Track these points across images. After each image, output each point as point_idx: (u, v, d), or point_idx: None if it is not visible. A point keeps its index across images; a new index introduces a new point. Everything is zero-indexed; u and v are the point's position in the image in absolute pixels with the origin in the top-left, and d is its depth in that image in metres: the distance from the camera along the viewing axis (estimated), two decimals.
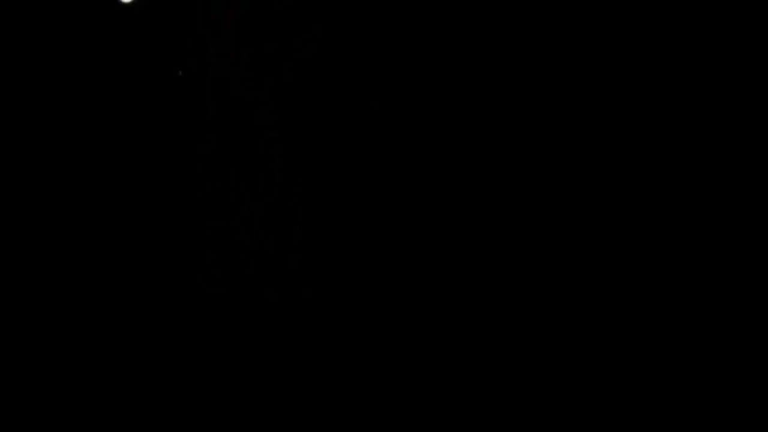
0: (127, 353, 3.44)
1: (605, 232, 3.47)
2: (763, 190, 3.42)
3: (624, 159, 3.49)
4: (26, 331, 3.43)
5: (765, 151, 3.43)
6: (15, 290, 3.44)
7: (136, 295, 3.48)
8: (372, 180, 3.54)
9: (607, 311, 3.43)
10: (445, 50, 3.55)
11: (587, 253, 3.47)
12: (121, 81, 3.54)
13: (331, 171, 3.54)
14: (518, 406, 3.40)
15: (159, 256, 3.50)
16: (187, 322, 3.47)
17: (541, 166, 3.51)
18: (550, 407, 3.39)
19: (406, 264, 3.50)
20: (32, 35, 3.48)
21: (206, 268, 3.49)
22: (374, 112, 3.55)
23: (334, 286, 3.49)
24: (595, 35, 3.52)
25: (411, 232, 3.51)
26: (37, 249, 3.47)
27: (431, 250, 3.50)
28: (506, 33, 3.53)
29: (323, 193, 3.54)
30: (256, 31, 3.55)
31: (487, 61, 3.54)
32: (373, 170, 3.54)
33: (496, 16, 3.53)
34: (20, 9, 3.47)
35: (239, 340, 3.47)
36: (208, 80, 3.54)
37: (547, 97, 3.52)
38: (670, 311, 3.41)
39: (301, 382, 3.44)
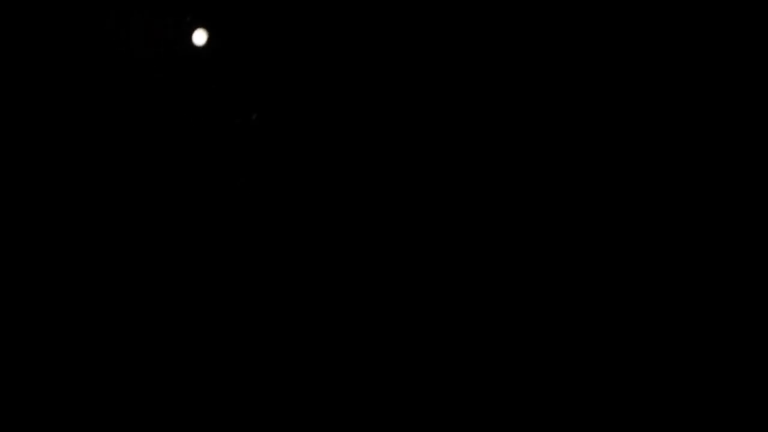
0: (127, 352, 3.45)
1: (604, 232, 3.48)
2: (763, 190, 3.43)
3: (622, 159, 3.49)
4: (26, 331, 3.44)
5: (765, 151, 3.44)
6: (16, 289, 3.46)
7: (136, 295, 3.48)
8: (371, 180, 3.54)
9: (606, 311, 3.44)
10: (443, 51, 3.56)
11: (586, 252, 3.47)
12: (121, 84, 3.56)
13: (331, 171, 3.55)
14: (517, 406, 3.40)
15: (159, 256, 3.51)
16: (187, 321, 3.48)
17: (539, 167, 3.52)
18: (550, 407, 3.39)
19: (405, 264, 3.50)
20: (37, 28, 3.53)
21: (206, 268, 3.51)
22: (373, 112, 3.56)
23: (333, 285, 3.50)
24: (595, 35, 3.53)
25: (409, 231, 3.52)
26: (37, 248, 3.48)
27: (429, 250, 3.51)
28: (506, 33, 3.54)
29: (322, 192, 3.54)
30: (256, 31, 3.56)
31: (485, 62, 3.55)
32: (373, 170, 3.55)
33: (496, 16, 3.54)
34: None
35: (239, 340, 3.48)
36: (208, 80, 3.55)
37: (545, 97, 3.53)
38: (670, 311, 3.42)
39: (301, 382, 3.45)
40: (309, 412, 3.42)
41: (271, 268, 3.52)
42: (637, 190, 3.48)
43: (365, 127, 3.57)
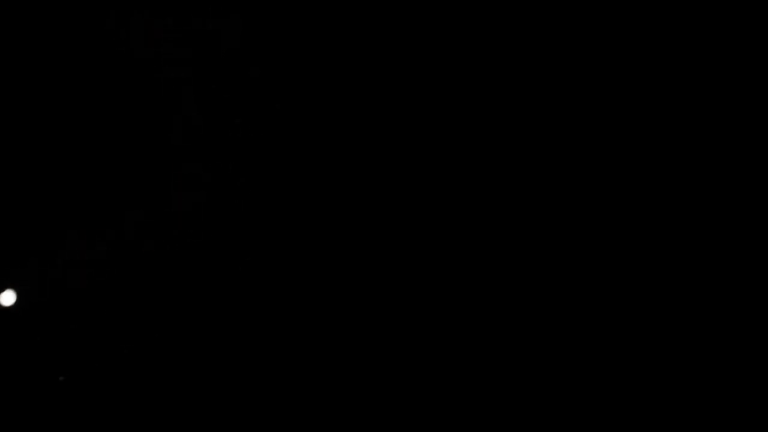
0: (126, 352, 3.45)
1: (604, 233, 3.48)
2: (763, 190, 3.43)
3: (622, 159, 3.50)
4: (24, 331, 3.44)
5: (765, 151, 3.44)
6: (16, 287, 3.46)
7: (135, 295, 3.48)
8: (369, 180, 3.55)
9: (606, 311, 3.44)
10: (440, 52, 3.56)
11: (586, 253, 3.47)
12: (121, 84, 3.57)
13: (329, 171, 3.55)
14: (517, 407, 3.40)
15: (157, 256, 3.51)
16: (186, 321, 3.48)
17: (538, 167, 3.52)
18: (550, 407, 3.39)
19: (404, 264, 3.50)
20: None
21: (204, 268, 3.51)
22: (370, 112, 3.56)
23: (332, 285, 3.50)
24: (594, 35, 3.53)
25: (408, 231, 3.52)
26: (36, 246, 3.48)
27: (427, 251, 3.51)
28: (505, 33, 3.54)
29: (320, 192, 3.54)
30: (253, 30, 3.57)
31: (481, 63, 3.55)
32: (371, 170, 3.55)
33: (495, 16, 3.54)
34: None
35: (239, 340, 3.47)
36: (207, 80, 3.56)
37: (545, 97, 3.53)
38: (670, 311, 3.41)
39: (301, 382, 3.45)
40: (309, 412, 3.42)
41: (270, 268, 3.52)
42: (637, 190, 3.48)
43: (361, 129, 3.58)
